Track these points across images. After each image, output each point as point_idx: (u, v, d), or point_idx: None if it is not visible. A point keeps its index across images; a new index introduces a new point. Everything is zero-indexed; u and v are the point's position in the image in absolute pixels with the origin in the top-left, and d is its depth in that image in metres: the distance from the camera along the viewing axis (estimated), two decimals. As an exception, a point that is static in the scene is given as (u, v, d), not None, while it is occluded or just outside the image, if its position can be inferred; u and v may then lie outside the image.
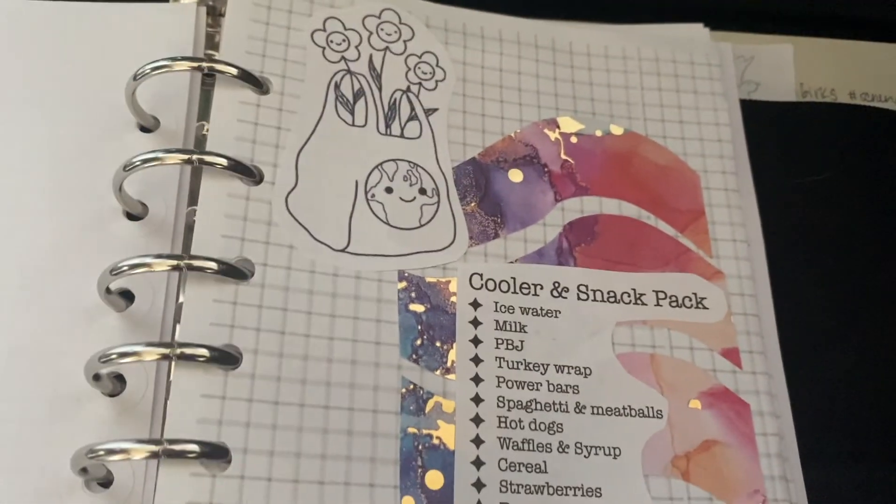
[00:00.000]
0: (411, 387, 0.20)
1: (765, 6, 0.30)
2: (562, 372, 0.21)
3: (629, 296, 0.22)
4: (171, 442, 0.17)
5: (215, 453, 0.18)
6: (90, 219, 0.21)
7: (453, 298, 0.21)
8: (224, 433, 0.18)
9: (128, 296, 0.20)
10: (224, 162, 0.20)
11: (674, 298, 0.22)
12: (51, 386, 0.19)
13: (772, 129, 0.26)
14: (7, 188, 0.21)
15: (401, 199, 0.22)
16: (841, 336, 0.24)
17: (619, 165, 0.24)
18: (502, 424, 0.20)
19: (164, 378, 0.19)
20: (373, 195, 0.22)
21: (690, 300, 0.22)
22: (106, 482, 0.18)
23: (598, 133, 0.24)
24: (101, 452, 0.17)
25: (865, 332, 0.24)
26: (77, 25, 0.24)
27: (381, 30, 0.24)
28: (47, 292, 0.20)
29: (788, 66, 0.29)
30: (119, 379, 0.19)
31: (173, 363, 0.18)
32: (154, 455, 0.17)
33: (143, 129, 0.22)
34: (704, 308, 0.23)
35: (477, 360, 0.21)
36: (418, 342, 0.20)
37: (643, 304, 0.22)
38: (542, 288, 0.22)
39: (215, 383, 0.18)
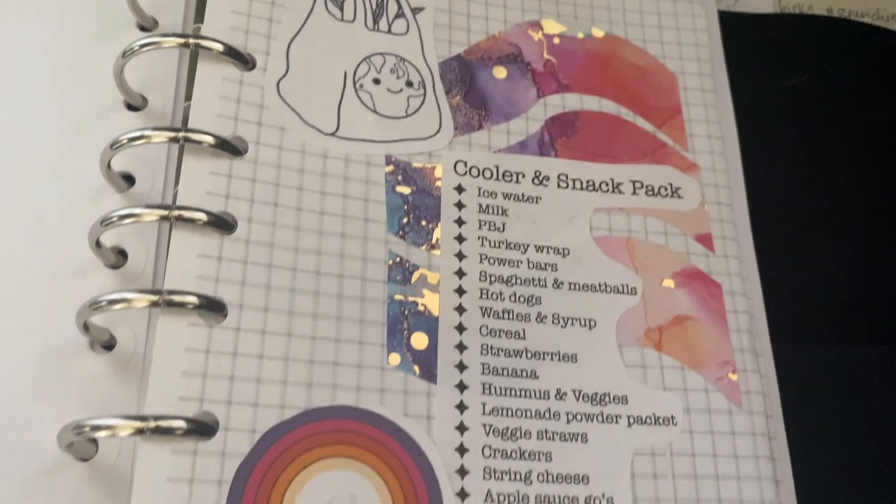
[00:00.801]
0: (398, 259, 0.21)
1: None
2: (541, 252, 0.22)
3: (607, 185, 0.23)
4: (171, 293, 0.18)
5: (212, 306, 0.19)
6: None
7: (438, 183, 0.22)
8: (221, 289, 0.19)
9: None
10: (220, 48, 0.21)
11: (650, 188, 0.23)
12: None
13: (748, 38, 0.27)
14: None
15: (388, 90, 0.23)
16: (813, 225, 0.25)
17: (600, 65, 0.25)
18: (483, 296, 0.21)
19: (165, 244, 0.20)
20: (361, 85, 0.23)
21: (666, 189, 0.24)
22: (109, 345, 0.19)
23: (580, 35, 0.25)
24: (104, 303, 0.18)
25: (837, 221, 0.25)
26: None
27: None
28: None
29: (768, -17, 0.30)
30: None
31: (173, 226, 0.19)
32: (155, 304, 0.18)
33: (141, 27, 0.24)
34: (679, 197, 0.24)
35: (461, 239, 0.22)
36: (405, 220, 0.21)
37: (620, 192, 0.23)
38: (523, 176, 0.23)
39: (212, 245, 0.19)
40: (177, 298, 0.18)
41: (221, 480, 0.17)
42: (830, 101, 0.27)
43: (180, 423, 0.17)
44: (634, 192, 0.23)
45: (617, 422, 0.21)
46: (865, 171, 0.26)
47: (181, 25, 0.23)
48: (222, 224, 0.20)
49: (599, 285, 0.22)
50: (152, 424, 0.17)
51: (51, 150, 0.22)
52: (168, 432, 0.17)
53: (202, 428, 0.18)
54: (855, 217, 0.25)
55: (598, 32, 0.25)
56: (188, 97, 0.22)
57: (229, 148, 0.20)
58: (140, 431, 0.17)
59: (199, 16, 0.23)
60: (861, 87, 0.28)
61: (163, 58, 0.22)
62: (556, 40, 0.25)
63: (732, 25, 0.27)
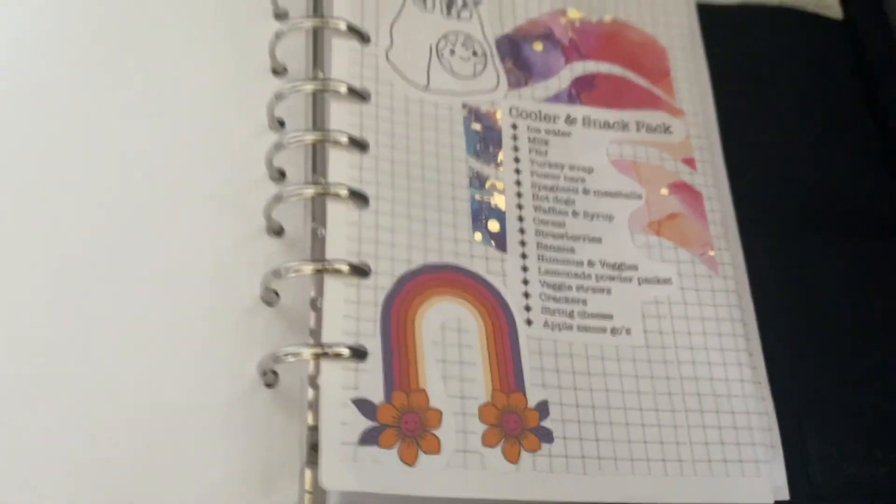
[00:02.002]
0: (475, 172, 0.30)
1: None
2: (573, 169, 0.31)
3: (619, 125, 0.32)
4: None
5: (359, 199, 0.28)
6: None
7: (499, 122, 0.31)
8: (365, 187, 0.28)
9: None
10: (344, 25, 0.30)
11: (649, 126, 0.32)
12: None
13: (719, 22, 0.36)
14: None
15: (461, 58, 0.32)
16: (775, 147, 0.34)
17: (610, 41, 0.34)
18: (535, 198, 0.30)
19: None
20: (441, 54, 0.32)
21: (661, 128, 0.33)
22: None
23: (594, 19, 0.34)
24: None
25: (795, 149, 0.34)
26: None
27: (439, -52, 0.34)
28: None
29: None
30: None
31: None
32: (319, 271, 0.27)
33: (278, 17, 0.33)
34: (670, 133, 0.33)
35: (517, 160, 0.31)
36: (478, 146, 0.30)
37: (627, 130, 0.32)
38: (558, 118, 0.32)
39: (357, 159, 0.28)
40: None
41: (376, 303, 0.26)
42: (774, 65, 0.36)
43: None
44: (638, 130, 0.32)
45: (630, 281, 0.29)
46: (792, 111, 0.35)
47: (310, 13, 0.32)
48: (358, 143, 0.28)
49: (615, 192, 0.31)
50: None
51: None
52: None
53: (360, 270, 0.26)
54: (793, 139, 0.34)
55: (607, 17, 0.35)
56: (316, 63, 0.31)
57: (359, 95, 0.29)
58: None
59: (320, 9, 0.32)
60: (798, 64, 0.37)
61: (300, 36, 0.31)
62: (577, 23, 0.34)
63: (707, 13, 0.37)
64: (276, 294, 0.28)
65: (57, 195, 0.28)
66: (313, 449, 0.25)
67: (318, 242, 0.28)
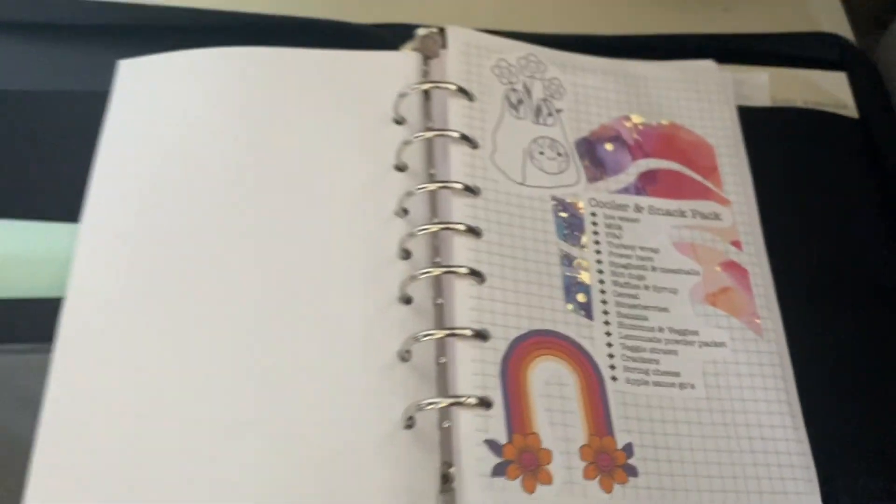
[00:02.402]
0: (564, 252, 0.37)
1: (747, 48, 0.47)
2: (643, 250, 0.38)
3: (677, 212, 0.39)
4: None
5: (478, 278, 0.34)
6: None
7: (581, 210, 0.38)
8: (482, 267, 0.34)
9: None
10: (458, 135, 0.37)
11: (702, 214, 0.39)
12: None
13: (756, 122, 0.43)
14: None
15: (548, 158, 0.39)
16: (806, 230, 0.40)
17: (667, 141, 0.41)
18: (613, 274, 0.37)
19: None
20: (533, 156, 0.39)
21: (712, 215, 0.39)
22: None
23: (654, 123, 0.41)
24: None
25: (822, 231, 0.41)
26: (338, 66, 0.41)
27: (528, 64, 0.41)
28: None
29: (765, 87, 0.46)
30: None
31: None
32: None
33: (397, 122, 0.40)
34: (720, 219, 0.39)
35: (597, 242, 0.37)
36: (565, 231, 0.37)
37: (685, 217, 0.39)
38: (628, 207, 0.39)
39: (472, 243, 0.35)
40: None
41: (495, 362, 0.33)
42: (801, 158, 0.43)
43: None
44: (693, 217, 0.39)
45: (693, 344, 0.36)
46: (816, 198, 0.42)
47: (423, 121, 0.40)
48: (474, 231, 0.35)
49: (677, 269, 0.38)
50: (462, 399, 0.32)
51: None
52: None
53: (481, 335, 0.33)
54: (820, 223, 0.41)
55: (664, 121, 0.42)
56: (431, 162, 0.38)
57: (471, 190, 0.36)
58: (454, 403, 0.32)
59: (430, 116, 0.39)
60: (822, 157, 0.44)
61: (421, 144, 0.38)
62: (640, 126, 0.41)
63: (745, 114, 0.43)
64: (409, 352, 0.34)
65: (232, 273, 0.35)
66: (444, 480, 0.32)
67: (438, 310, 0.35)
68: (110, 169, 0.37)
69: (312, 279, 0.36)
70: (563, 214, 0.38)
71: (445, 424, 0.33)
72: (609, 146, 0.40)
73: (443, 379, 0.34)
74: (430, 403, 0.32)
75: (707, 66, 0.44)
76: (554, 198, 0.38)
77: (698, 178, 0.40)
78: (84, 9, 0.42)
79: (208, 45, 0.41)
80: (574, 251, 0.37)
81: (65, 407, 0.32)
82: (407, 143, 0.38)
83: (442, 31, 0.41)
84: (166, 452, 0.32)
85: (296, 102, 0.40)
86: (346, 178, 0.38)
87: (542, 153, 0.39)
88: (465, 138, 0.38)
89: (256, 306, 0.35)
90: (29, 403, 0.32)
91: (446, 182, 0.36)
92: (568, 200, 0.38)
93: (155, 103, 0.39)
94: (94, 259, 0.35)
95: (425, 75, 0.42)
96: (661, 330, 0.36)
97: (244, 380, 0.33)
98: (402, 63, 0.41)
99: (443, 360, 0.34)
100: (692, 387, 0.35)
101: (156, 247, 0.36)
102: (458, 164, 0.37)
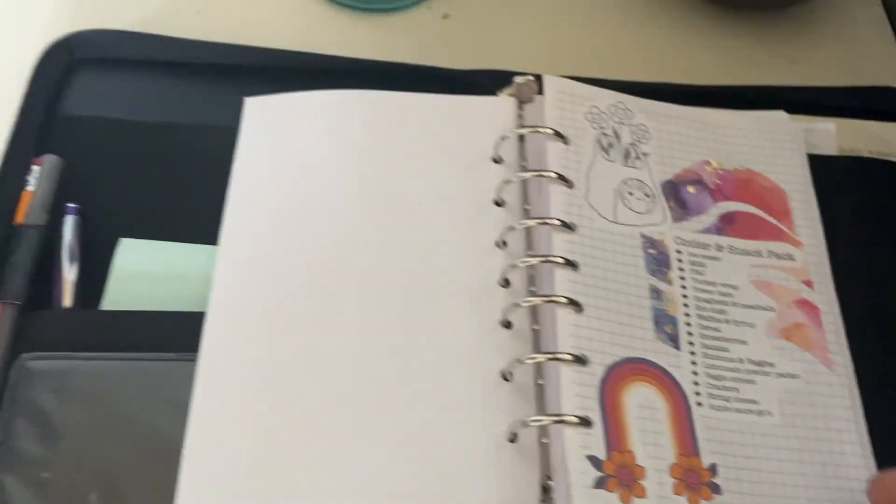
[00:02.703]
0: (653, 286, 0.40)
1: (814, 100, 0.50)
2: (724, 286, 0.41)
3: (754, 253, 0.42)
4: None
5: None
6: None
7: (666, 248, 0.41)
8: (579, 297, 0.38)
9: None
10: (555, 175, 0.41)
11: (777, 254, 0.43)
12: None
13: (824, 169, 0.46)
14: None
15: (636, 198, 0.42)
16: (866, 274, 0.43)
17: (744, 186, 0.44)
18: (697, 308, 0.40)
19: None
20: (623, 196, 0.42)
21: (786, 256, 0.43)
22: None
23: (731, 168, 0.45)
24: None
25: (880, 279, 0.44)
26: (443, 109, 0.45)
27: (617, 111, 0.45)
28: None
29: (832, 136, 0.49)
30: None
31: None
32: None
33: (495, 161, 0.44)
34: (793, 260, 0.43)
35: (682, 278, 0.41)
36: (653, 266, 0.41)
37: (761, 257, 0.42)
38: (710, 246, 0.42)
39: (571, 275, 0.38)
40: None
41: (594, 385, 0.36)
42: (870, 210, 0.46)
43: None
44: (768, 257, 0.42)
45: (769, 375, 0.39)
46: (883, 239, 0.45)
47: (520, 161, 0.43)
48: (572, 264, 0.39)
49: (755, 305, 0.41)
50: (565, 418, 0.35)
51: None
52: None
53: (581, 360, 0.36)
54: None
55: (741, 167, 0.45)
56: (526, 199, 0.42)
57: (568, 227, 0.40)
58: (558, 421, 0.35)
59: (524, 156, 0.43)
60: (887, 203, 0.47)
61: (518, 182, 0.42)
62: (720, 171, 0.44)
63: (814, 161, 0.47)
64: (511, 374, 0.38)
65: (352, 295, 0.39)
66: (544, 491, 0.35)
67: (535, 335, 0.39)
68: (242, 197, 0.41)
69: (423, 302, 0.39)
70: (652, 251, 0.41)
71: (544, 441, 0.36)
72: (692, 188, 0.44)
73: (541, 399, 0.37)
74: (536, 420, 0.35)
75: (779, 115, 0.47)
76: (643, 235, 0.41)
77: (773, 220, 0.44)
78: (212, 49, 0.47)
79: (322, 86, 0.45)
80: (662, 286, 0.40)
81: (209, 410, 0.36)
82: (507, 181, 0.42)
83: (538, 78, 0.45)
84: (298, 451, 0.35)
85: (406, 141, 0.44)
86: (451, 211, 0.42)
87: (631, 193, 0.42)
88: (562, 178, 0.41)
89: (374, 325, 0.38)
90: (178, 406, 0.36)
91: (546, 218, 0.40)
92: (655, 238, 0.42)
93: (279, 138, 0.44)
94: (231, 278, 0.39)
95: (520, 119, 0.45)
96: (740, 361, 0.39)
97: (366, 392, 0.37)
98: (499, 107, 0.45)
99: (541, 381, 0.38)
100: (769, 414, 0.38)
101: (284, 268, 0.40)
102: (557, 202, 0.41)
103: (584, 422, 0.35)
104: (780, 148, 0.46)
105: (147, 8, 0.50)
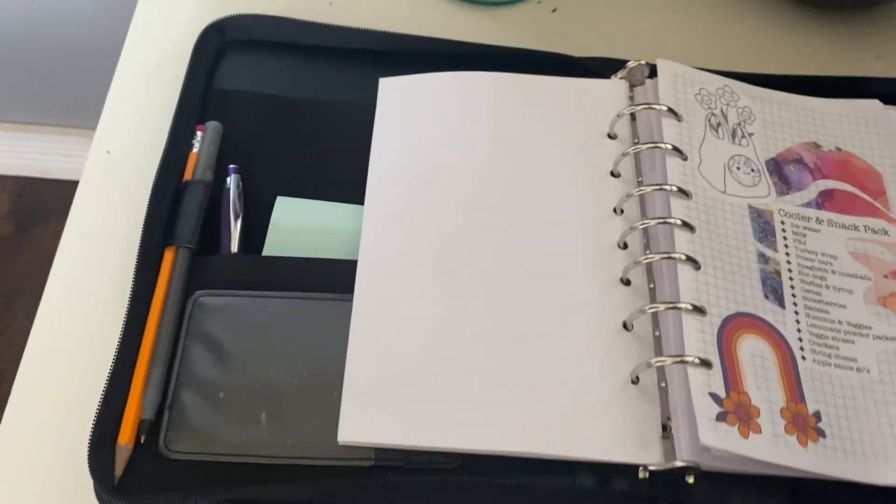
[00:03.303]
0: (760, 252, 0.43)
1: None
2: (824, 255, 0.44)
3: (852, 227, 0.45)
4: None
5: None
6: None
7: (771, 218, 0.45)
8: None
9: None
10: (670, 147, 0.45)
11: (873, 230, 0.46)
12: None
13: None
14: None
15: (744, 173, 0.46)
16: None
17: (842, 166, 0.48)
18: (800, 273, 0.43)
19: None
20: (731, 170, 0.46)
21: (881, 231, 0.46)
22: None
23: (831, 149, 0.48)
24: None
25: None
26: (563, 90, 0.49)
27: (724, 94, 0.48)
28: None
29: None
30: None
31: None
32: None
33: (610, 137, 0.47)
34: (888, 235, 0.45)
35: (786, 246, 0.44)
36: (761, 234, 0.44)
37: (858, 231, 0.45)
38: (811, 219, 0.45)
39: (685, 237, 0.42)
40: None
41: (713, 332, 0.39)
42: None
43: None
44: (865, 231, 0.45)
45: (867, 337, 0.42)
46: None
47: (633, 137, 0.47)
48: (689, 226, 0.42)
49: (853, 274, 0.44)
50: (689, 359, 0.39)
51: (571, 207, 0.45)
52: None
53: (700, 310, 0.40)
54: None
55: (840, 149, 0.48)
56: (639, 170, 0.45)
57: (684, 193, 0.43)
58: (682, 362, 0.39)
59: (636, 133, 0.47)
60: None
61: (632, 155, 0.46)
62: (819, 151, 0.48)
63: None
64: (632, 325, 0.41)
65: (487, 253, 0.43)
66: (664, 429, 0.39)
67: (651, 292, 0.42)
68: (382, 164, 0.46)
69: (550, 262, 0.43)
70: (759, 220, 0.44)
71: (662, 385, 0.40)
72: (793, 167, 0.47)
73: (659, 347, 0.41)
74: (659, 361, 0.39)
75: (873, 104, 0.50)
76: (750, 206, 0.45)
77: (869, 199, 0.47)
78: (347, 34, 0.51)
79: (447, 69, 0.50)
80: (768, 252, 0.44)
81: (363, 343, 0.40)
82: (625, 154, 0.45)
83: (648, 64, 0.49)
84: (442, 383, 0.39)
85: (529, 118, 0.48)
86: (572, 181, 0.46)
87: (738, 168, 0.46)
88: (676, 150, 0.45)
89: (506, 281, 0.42)
90: (331, 337, 0.40)
91: (664, 184, 0.44)
92: (762, 209, 0.45)
93: (412, 114, 0.48)
94: (375, 234, 0.43)
95: (631, 100, 0.49)
96: (840, 322, 0.42)
97: (502, 338, 0.41)
98: (613, 89, 0.49)
99: (657, 333, 0.41)
100: (867, 371, 0.41)
101: (422, 224, 0.44)
102: (673, 171, 0.44)
103: (705, 363, 0.39)
104: (874, 133, 0.49)
105: (285, -2, 0.56)
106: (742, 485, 0.39)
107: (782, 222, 0.45)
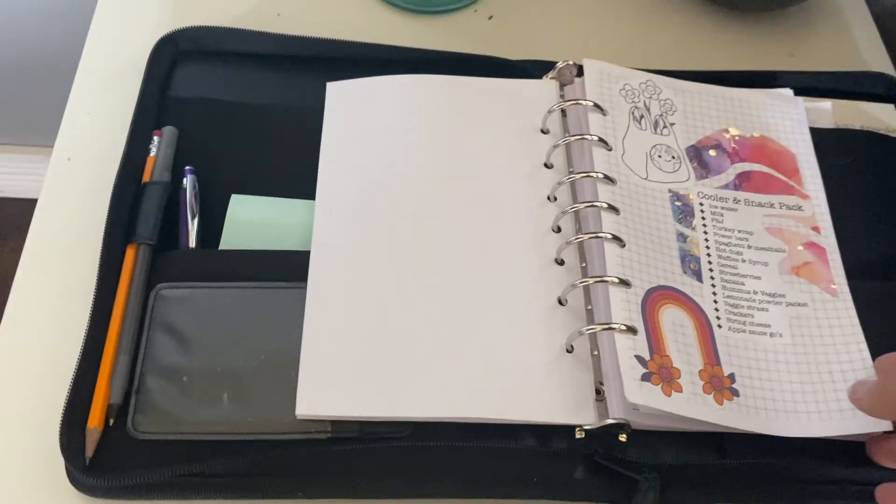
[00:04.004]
0: (679, 232, 0.47)
1: (813, 84, 0.58)
2: (740, 232, 0.48)
3: (767, 204, 0.50)
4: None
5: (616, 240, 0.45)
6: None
7: (691, 200, 0.49)
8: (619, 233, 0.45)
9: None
10: (596, 139, 0.48)
11: (787, 206, 0.50)
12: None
13: (823, 140, 0.54)
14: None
15: (665, 160, 0.50)
16: (859, 224, 0.51)
17: (758, 149, 0.52)
18: (717, 250, 0.47)
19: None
20: (653, 158, 0.50)
21: (795, 206, 0.50)
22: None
23: (747, 135, 0.52)
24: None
25: (871, 221, 0.51)
26: (497, 90, 0.53)
27: (647, 88, 0.52)
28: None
29: (829, 113, 0.57)
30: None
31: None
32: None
33: (543, 132, 0.51)
34: (801, 210, 0.50)
35: (704, 225, 0.48)
36: (680, 216, 0.48)
37: (774, 208, 0.50)
38: (728, 199, 0.49)
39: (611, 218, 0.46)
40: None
41: (637, 303, 0.43)
42: (867, 172, 0.54)
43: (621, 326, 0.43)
44: (780, 208, 0.50)
45: (781, 304, 0.46)
46: (870, 199, 0.52)
47: (565, 132, 0.51)
48: (614, 209, 0.46)
49: (768, 248, 0.48)
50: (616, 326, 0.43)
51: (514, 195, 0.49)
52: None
53: (625, 283, 0.43)
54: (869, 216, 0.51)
55: (756, 134, 0.52)
56: (570, 160, 0.49)
57: (610, 180, 0.47)
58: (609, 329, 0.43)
59: (566, 127, 0.51)
60: (877, 168, 0.54)
61: (563, 148, 0.50)
62: (736, 137, 0.52)
63: (815, 134, 0.54)
64: (566, 300, 0.45)
65: (432, 235, 0.47)
66: (598, 392, 0.42)
67: (583, 270, 0.46)
68: (331, 161, 0.49)
69: (490, 245, 0.47)
70: (678, 203, 0.48)
71: (595, 353, 0.43)
72: (712, 152, 0.51)
73: (591, 318, 0.45)
74: (590, 329, 0.42)
75: (786, 92, 0.55)
76: (670, 190, 0.49)
77: (783, 178, 0.51)
78: (296, 42, 0.54)
79: (390, 73, 0.53)
80: (687, 231, 0.48)
81: (318, 324, 0.43)
82: (556, 146, 0.49)
83: (576, 64, 0.53)
84: (391, 356, 0.43)
85: (467, 116, 0.51)
86: (509, 173, 0.49)
87: (660, 156, 0.50)
88: (602, 141, 0.49)
89: (450, 263, 0.46)
90: (286, 322, 0.43)
91: (591, 172, 0.47)
92: (681, 192, 0.49)
93: (359, 115, 0.51)
94: (327, 225, 0.46)
95: (562, 97, 0.53)
96: (755, 292, 0.46)
97: (445, 314, 0.44)
98: (544, 88, 0.53)
99: (589, 307, 0.45)
100: (780, 335, 0.45)
101: (371, 215, 0.47)
102: (599, 160, 0.48)
103: (631, 329, 0.42)
104: (787, 118, 0.54)
105: (236, 10, 0.58)
106: (671, 440, 0.43)
107: (701, 204, 0.49)
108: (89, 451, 0.40)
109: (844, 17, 0.65)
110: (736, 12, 0.64)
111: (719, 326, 0.45)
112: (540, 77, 0.54)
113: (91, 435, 0.40)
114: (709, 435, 0.43)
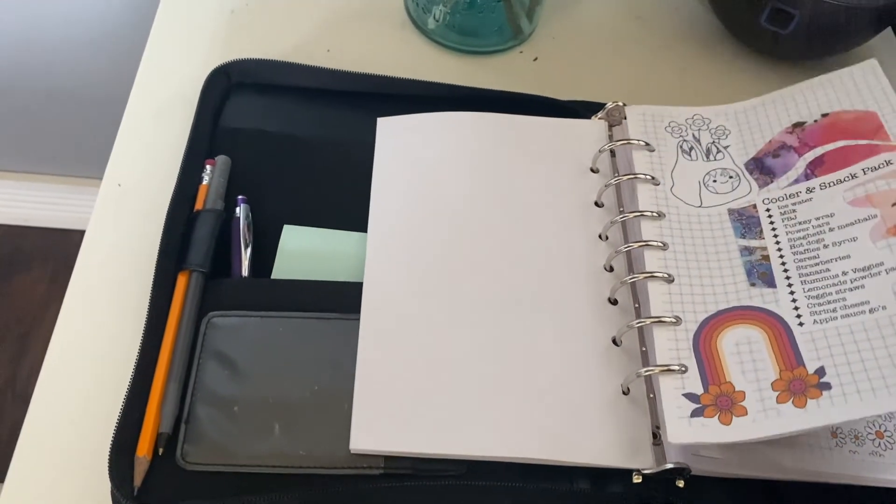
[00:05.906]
0: (742, 246, 0.46)
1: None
2: (818, 219, 0.45)
3: (847, 177, 0.45)
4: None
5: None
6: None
7: (756, 211, 0.47)
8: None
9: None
10: (644, 177, 0.48)
11: (873, 168, 0.45)
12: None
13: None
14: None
15: (721, 182, 0.49)
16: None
17: (829, 129, 0.48)
18: (791, 248, 0.45)
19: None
20: (707, 184, 0.49)
21: (883, 164, 0.45)
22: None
23: (812, 121, 0.49)
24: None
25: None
26: (548, 129, 0.53)
27: (694, 121, 0.52)
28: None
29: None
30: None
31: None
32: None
33: (593, 171, 0.51)
34: (892, 164, 0.45)
35: (773, 228, 0.46)
36: (743, 230, 0.47)
37: (856, 177, 0.45)
38: (800, 193, 0.46)
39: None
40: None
41: (687, 339, 0.42)
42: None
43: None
44: (865, 174, 0.45)
45: (879, 274, 0.41)
46: None
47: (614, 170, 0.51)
48: (660, 245, 0.46)
49: (854, 221, 0.44)
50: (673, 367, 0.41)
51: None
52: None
53: (674, 321, 0.43)
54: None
55: (820, 117, 0.49)
56: (620, 199, 0.49)
57: (658, 215, 0.47)
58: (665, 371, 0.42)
59: (615, 166, 0.51)
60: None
61: (613, 186, 0.50)
62: (802, 129, 0.49)
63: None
64: (621, 340, 0.44)
65: (483, 276, 0.46)
66: (654, 436, 0.41)
67: (636, 310, 0.45)
68: (383, 195, 0.49)
69: (544, 281, 0.46)
70: (740, 219, 0.47)
71: (651, 395, 0.43)
72: (776, 156, 0.50)
73: (646, 360, 0.44)
74: (647, 371, 0.41)
75: (871, 63, 0.51)
76: (729, 210, 0.48)
77: (864, 142, 0.47)
78: (344, 77, 0.55)
79: (440, 109, 0.53)
80: (753, 243, 0.46)
81: (372, 357, 0.43)
82: (607, 185, 0.49)
83: (624, 105, 0.53)
84: (449, 395, 0.42)
85: (517, 155, 0.51)
86: (560, 212, 0.49)
87: (714, 181, 0.49)
88: (648, 177, 0.49)
89: (506, 295, 0.45)
90: (338, 353, 0.43)
91: (637, 211, 0.47)
92: (742, 208, 0.48)
93: (409, 151, 0.51)
94: (379, 258, 0.46)
95: (611, 138, 0.53)
96: (843, 273, 0.42)
97: (501, 353, 0.43)
98: (594, 128, 0.53)
99: (644, 348, 0.44)
100: (882, 308, 0.40)
101: (421, 250, 0.47)
102: (646, 197, 0.48)
103: (680, 368, 0.41)
104: (859, 81, 0.50)
105: (285, 45, 0.59)
106: (731, 488, 0.41)
107: (767, 210, 0.47)
108: (137, 481, 0.39)
109: (885, 70, 0.66)
110: (776, 59, 0.64)
111: (801, 325, 0.42)
112: (587, 117, 0.54)
113: (140, 464, 0.39)
114: (768, 483, 0.42)
